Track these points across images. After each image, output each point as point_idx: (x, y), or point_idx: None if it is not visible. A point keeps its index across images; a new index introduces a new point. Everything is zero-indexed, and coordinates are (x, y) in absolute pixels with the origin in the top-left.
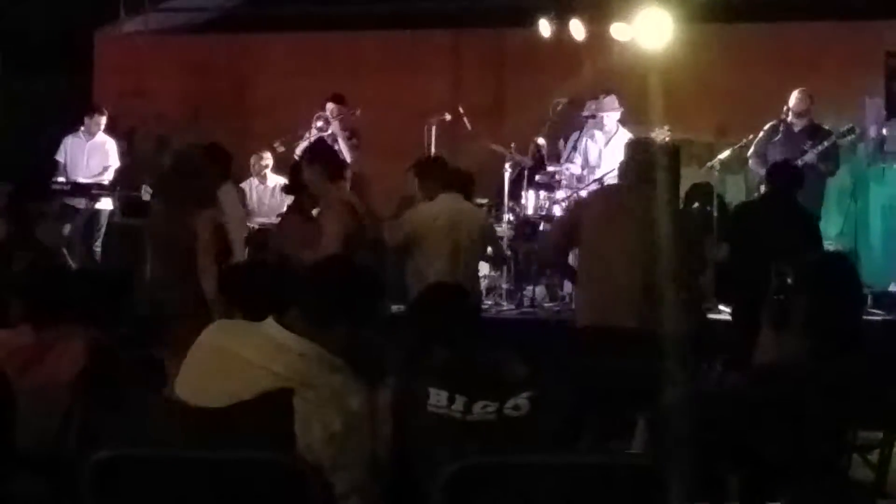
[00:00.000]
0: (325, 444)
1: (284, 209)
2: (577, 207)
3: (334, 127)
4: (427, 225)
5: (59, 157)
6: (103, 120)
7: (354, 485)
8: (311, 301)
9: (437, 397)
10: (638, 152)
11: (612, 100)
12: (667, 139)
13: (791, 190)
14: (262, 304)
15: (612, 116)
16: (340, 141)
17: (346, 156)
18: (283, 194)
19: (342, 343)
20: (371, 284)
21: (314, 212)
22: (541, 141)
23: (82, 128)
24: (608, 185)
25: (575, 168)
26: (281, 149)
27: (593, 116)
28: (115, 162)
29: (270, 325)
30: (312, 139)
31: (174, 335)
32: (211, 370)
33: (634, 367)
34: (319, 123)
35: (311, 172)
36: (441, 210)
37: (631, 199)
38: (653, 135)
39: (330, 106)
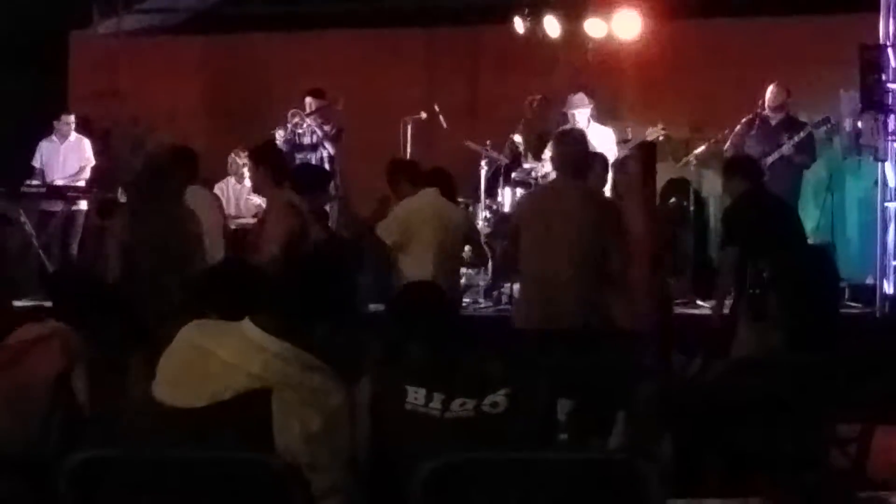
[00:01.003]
0: (303, 443)
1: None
2: (514, 212)
3: (312, 122)
4: (416, 218)
5: (36, 163)
6: (72, 119)
7: (333, 485)
8: (286, 302)
9: (415, 395)
10: (566, 145)
11: (580, 97)
12: (660, 137)
13: (763, 181)
14: (236, 306)
15: (582, 113)
16: (319, 134)
17: (331, 150)
18: None
19: (319, 342)
20: (345, 283)
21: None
22: (517, 138)
23: (54, 132)
24: (540, 186)
25: (547, 167)
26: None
27: (563, 115)
28: (90, 160)
29: (246, 325)
30: (286, 137)
31: (162, 333)
32: (188, 370)
33: (607, 363)
34: (295, 119)
35: (257, 175)
36: (424, 204)
37: (563, 196)
38: (647, 133)
39: (308, 100)
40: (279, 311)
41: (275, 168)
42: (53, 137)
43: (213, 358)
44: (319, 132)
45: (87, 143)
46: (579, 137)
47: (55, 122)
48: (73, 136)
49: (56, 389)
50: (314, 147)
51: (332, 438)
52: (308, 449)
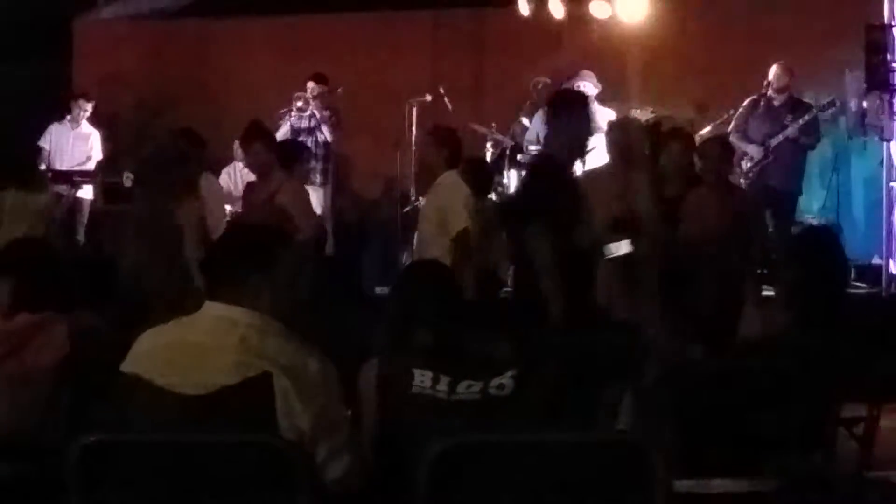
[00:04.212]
0: (301, 413)
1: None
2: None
3: (314, 106)
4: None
5: (44, 144)
6: (90, 107)
7: (334, 450)
8: (216, 265)
9: (422, 378)
10: (616, 134)
11: (590, 74)
12: (650, 120)
13: None
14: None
15: (589, 88)
16: (318, 118)
17: (327, 135)
18: None
19: (267, 298)
20: (268, 232)
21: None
22: (525, 121)
23: (69, 116)
24: (589, 171)
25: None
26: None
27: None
28: (98, 154)
29: (208, 306)
30: (291, 121)
31: (159, 320)
32: (183, 361)
33: (616, 343)
34: (299, 104)
35: (268, 157)
36: (465, 195)
37: (611, 182)
38: (635, 114)
39: (310, 85)
40: (220, 279)
41: (284, 151)
42: (66, 122)
43: (200, 347)
44: (318, 116)
45: (96, 137)
46: (629, 127)
47: (72, 104)
48: (86, 126)
49: (60, 375)
50: (311, 132)
51: (320, 403)
52: (304, 417)
